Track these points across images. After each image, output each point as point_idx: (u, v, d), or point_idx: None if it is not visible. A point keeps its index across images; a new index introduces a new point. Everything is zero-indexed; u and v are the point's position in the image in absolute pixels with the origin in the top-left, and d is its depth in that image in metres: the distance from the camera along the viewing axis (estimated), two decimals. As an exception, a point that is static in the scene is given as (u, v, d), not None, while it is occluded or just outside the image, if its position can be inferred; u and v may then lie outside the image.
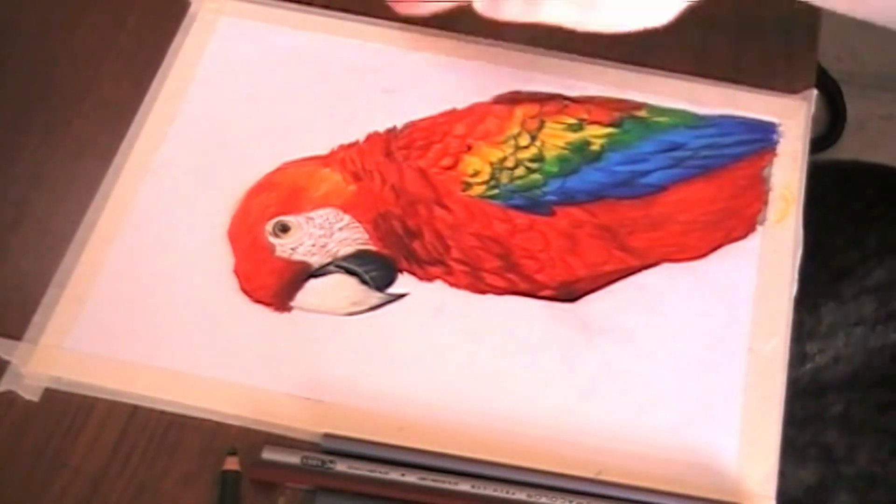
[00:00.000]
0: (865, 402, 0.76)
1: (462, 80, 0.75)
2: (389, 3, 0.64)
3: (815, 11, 0.78)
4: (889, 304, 0.78)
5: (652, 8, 0.57)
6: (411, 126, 0.73)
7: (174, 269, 0.68)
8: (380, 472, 0.60)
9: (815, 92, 0.74)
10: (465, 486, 0.60)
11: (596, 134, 0.73)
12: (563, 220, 0.69)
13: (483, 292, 0.67)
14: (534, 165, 0.71)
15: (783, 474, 0.60)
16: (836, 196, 0.69)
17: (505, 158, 0.72)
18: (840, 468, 0.74)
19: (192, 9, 0.78)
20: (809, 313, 0.64)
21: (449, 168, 0.71)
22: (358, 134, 0.73)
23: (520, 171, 0.71)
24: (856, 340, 0.78)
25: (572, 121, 0.73)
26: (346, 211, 0.70)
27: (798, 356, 0.77)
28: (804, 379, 0.78)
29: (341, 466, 0.61)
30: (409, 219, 0.70)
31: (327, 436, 0.62)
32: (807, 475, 0.60)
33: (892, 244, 0.79)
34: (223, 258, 0.68)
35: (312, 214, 0.70)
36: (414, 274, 0.68)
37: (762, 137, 0.73)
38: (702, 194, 0.71)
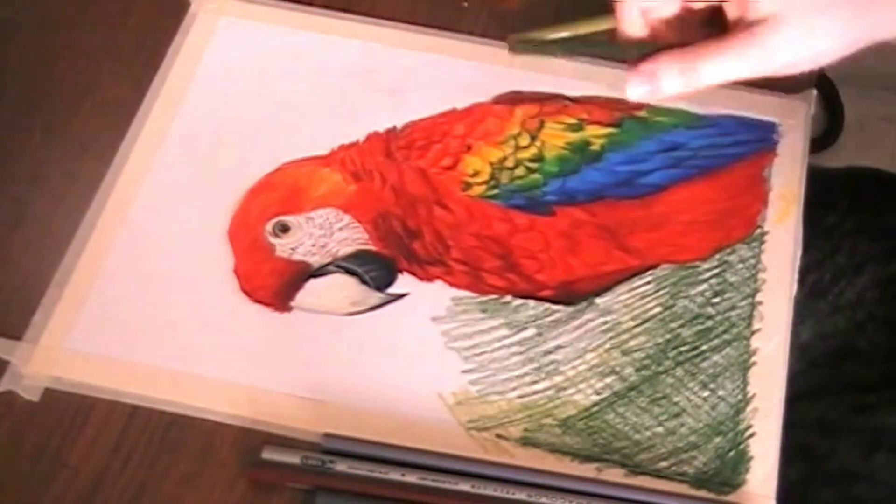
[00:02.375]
0: (840, 405, 0.78)
1: (462, 80, 0.75)
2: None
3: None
4: (856, 317, 0.81)
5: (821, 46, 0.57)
6: (411, 126, 0.73)
7: (174, 269, 0.68)
8: (380, 472, 0.60)
9: (814, 92, 0.74)
10: (465, 486, 0.60)
11: (596, 134, 0.73)
12: (564, 220, 0.69)
13: (483, 292, 0.67)
14: (534, 165, 0.71)
15: None
16: (814, 208, 0.70)
17: (505, 158, 0.72)
18: (821, 466, 0.76)
19: (192, 9, 0.78)
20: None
21: (449, 168, 0.71)
22: (358, 134, 0.73)
23: (520, 171, 0.71)
24: (828, 351, 0.80)
25: (572, 121, 0.73)
26: (346, 211, 0.70)
27: None
28: None
29: (341, 466, 0.61)
30: (409, 219, 0.70)
31: (327, 436, 0.62)
32: (790, 472, 0.61)
33: (858, 262, 0.81)
34: (223, 258, 0.68)
35: (312, 214, 0.70)
36: (414, 274, 0.68)
37: (762, 137, 0.73)
38: (702, 194, 0.71)
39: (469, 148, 0.72)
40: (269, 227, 0.69)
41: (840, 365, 0.80)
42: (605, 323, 0.66)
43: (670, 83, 0.57)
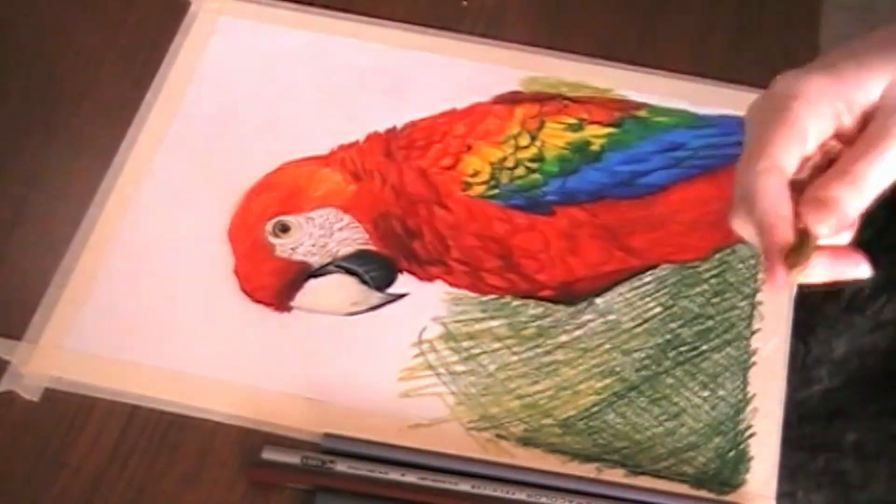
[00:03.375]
0: (880, 430, 0.76)
1: (462, 80, 0.75)
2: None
3: (815, 10, 0.79)
4: None
5: None
6: (411, 126, 0.73)
7: (174, 269, 0.68)
8: (380, 472, 0.60)
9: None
10: (465, 486, 0.60)
11: (596, 134, 0.73)
12: (564, 220, 0.69)
13: (483, 292, 0.67)
14: (534, 165, 0.71)
15: (793, 496, 0.59)
16: None
17: (505, 158, 0.72)
18: (854, 495, 0.74)
19: (192, 8, 0.78)
20: (822, 343, 0.64)
21: (449, 168, 0.71)
22: (358, 134, 0.73)
23: (520, 171, 0.71)
24: (867, 370, 0.78)
25: (572, 121, 0.73)
26: (346, 211, 0.70)
27: (804, 380, 0.77)
28: (811, 401, 0.77)
29: (341, 466, 0.61)
30: (409, 219, 0.70)
31: (327, 436, 0.62)
32: (819, 499, 0.59)
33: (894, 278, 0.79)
34: (223, 258, 0.68)
35: (312, 214, 0.70)
36: (414, 274, 0.68)
37: (762, 137, 0.73)
38: (702, 194, 0.71)
39: (469, 148, 0.72)
40: (269, 227, 0.69)
41: (880, 386, 0.78)
42: (605, 323, 0.66)
43: (852, 205, 0.52)
